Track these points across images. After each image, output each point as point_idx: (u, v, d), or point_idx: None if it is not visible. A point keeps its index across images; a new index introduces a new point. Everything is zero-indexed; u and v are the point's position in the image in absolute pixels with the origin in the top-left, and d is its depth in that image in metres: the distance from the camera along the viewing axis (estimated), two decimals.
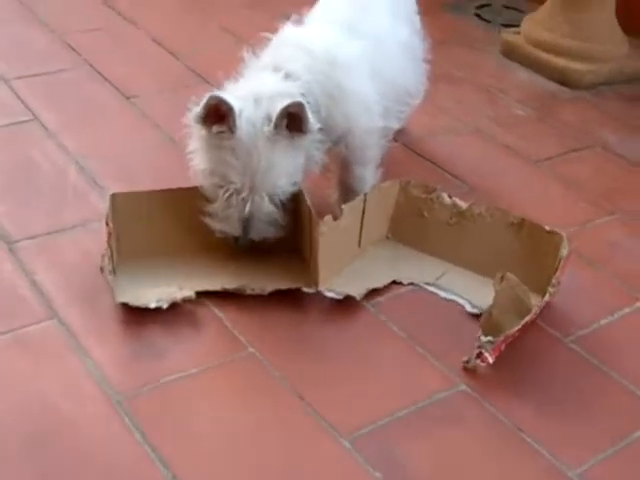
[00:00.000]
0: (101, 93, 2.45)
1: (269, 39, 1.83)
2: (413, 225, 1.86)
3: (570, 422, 1.47)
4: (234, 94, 1.66)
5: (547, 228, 1.73)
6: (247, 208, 1.64)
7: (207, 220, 1.70)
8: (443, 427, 1.43)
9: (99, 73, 2.55)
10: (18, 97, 2.37)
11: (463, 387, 1.51)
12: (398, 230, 1.87)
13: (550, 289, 1.63)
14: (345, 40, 1.81)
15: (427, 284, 1.76)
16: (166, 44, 2.79)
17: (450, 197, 1.85)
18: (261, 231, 1.68)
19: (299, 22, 1.88)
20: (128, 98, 2.43)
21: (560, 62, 2.78)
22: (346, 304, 1.67)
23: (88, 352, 1.52)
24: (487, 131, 2.42)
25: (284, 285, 1.68)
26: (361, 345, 1.60)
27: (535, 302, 1.62)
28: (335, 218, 1.69)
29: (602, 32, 2.81)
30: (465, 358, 1.54)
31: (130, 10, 3.04)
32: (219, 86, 1.75)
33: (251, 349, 1.56)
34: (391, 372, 1.55)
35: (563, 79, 2.77)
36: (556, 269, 1.65)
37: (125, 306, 1.60)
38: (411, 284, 1.76)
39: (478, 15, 3.35)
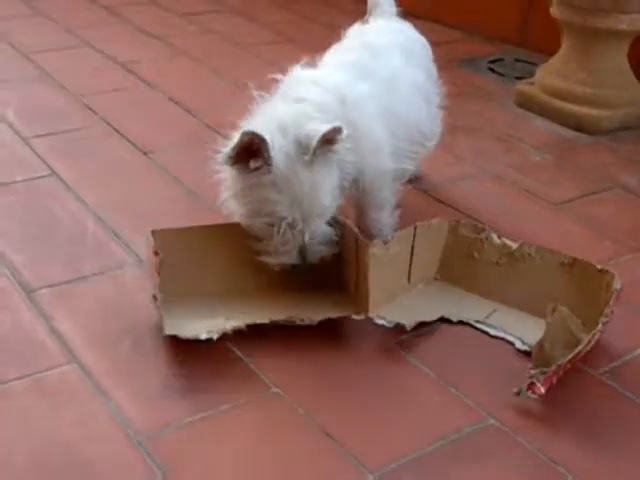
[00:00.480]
0: (118, 149, 2.46)
1: (278, 80, 1.82)
2: (463, 266, 1.85)
3: (609, 454, 1.42)
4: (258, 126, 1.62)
5: (599, 267, 1.71)
6: (306, 237, 1.63)
7: (263, 258, 1.67)
8: (473, 462, 1.39)
9: (116, 131, 2.56)
10: (36, 154, 2.38)
11: (492, 421, 1.47)
12: (447, 271, 1.86)
13: (602, 319, 1.59)
14: (354, 80, 1.81)
15: (477, 322, 1.73)
16: (183, 103, 2.80)
17: (500, 237, 1.83)
18: (318, 252, 1.66)
19: (310, 65, 1.88)
20: (145, 153, 2.43)
21: (576, 109, 2.78)
22: (371, 340, 1.65)
23: (108, 395, 1.49)
24: (506, 177, 2.40)
25: (333, 314, 1.65)
26: (388, 381, 1.57)
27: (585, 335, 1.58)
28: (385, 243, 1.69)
29: (615, 78, 2.81)
30: (516, 389, 1.49)
31: (148, 73, 3.07)
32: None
33: (275, 389, 1.53)
34: (420, 408, 1.51)
35: (579, 125, 2.77)
36: (608, 301, 1.62)
37: (168, 339, 1.59)
38: (460, 322, 1.73)
39: (491, 69, 3.37)
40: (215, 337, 1.57)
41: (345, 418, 1.47)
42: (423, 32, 2.20)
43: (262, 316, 1.64)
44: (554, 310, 1.55)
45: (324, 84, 1.75)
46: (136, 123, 2.63)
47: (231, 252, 1.71)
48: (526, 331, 1.68)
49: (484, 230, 1.84)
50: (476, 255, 1.84)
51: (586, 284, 1.71)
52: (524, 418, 1.48)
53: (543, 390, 1.48)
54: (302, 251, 1.64)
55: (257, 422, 1.46)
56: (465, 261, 1.84)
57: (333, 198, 1.67)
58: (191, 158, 2.38)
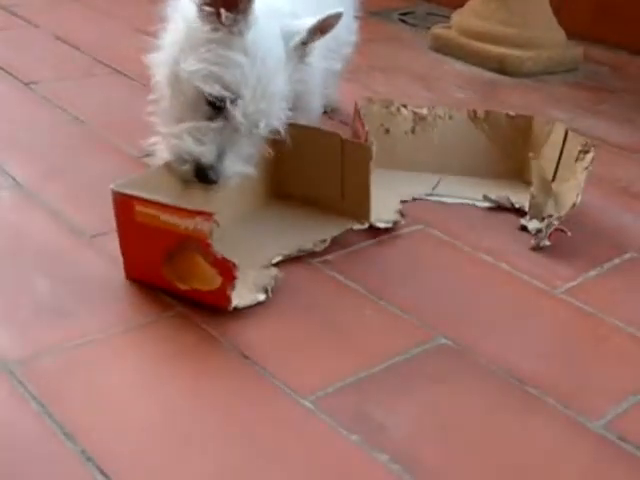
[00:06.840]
0: None
1: None
2: (380, 140, 1.67)
3: (577, 372, 1.22)
4: None
5: (511, 114, 1.79)
6: (241, 127, 1.33)
7: (175, 142, 1.35)
8: (426, 383, 1.17)
9: None
10: None
11: (443, 340, 1.26)
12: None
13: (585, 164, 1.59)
14: None
15: (428, 195, 1.70)
16: (71, 40, 2.53)
17: (405, 107, 1.82)
18: (234, 166, 1.36)
19: None
20: (27, 84, 2.15)
21: (497, 50, 2.60)
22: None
23: None
24: None
25: (335, 231, 1.48)
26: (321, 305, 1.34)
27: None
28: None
29: (538, 19, 2.64)
30: (533, 242, 1.50)
31: (31, 14, 2.78)
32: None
33: (180, 308, 1.28)
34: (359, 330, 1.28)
35: (501, 67, 2.59)
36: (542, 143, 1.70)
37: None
38: (414, 199, 1.68)
39: (403, 21, 3.18)
40: (270, 295, 1.30)
41: (265, 342, 1.23)
42: None
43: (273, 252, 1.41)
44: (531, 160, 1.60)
45: None
46: (17, 59, 2.34)
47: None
48: (476, 191, 1.69)
49: (392, 103, 1.82)
50: (391, 130, 1.80)
51: (499, 130, 1.78)
52: (477, 338, 1.27)
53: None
54: (221, 152, 1.34)
55: (159, 345, 1.20)
56: (381, 136, 1.77)
57: (281, 110, 1.40)
58: (78, 90, 2.13)
